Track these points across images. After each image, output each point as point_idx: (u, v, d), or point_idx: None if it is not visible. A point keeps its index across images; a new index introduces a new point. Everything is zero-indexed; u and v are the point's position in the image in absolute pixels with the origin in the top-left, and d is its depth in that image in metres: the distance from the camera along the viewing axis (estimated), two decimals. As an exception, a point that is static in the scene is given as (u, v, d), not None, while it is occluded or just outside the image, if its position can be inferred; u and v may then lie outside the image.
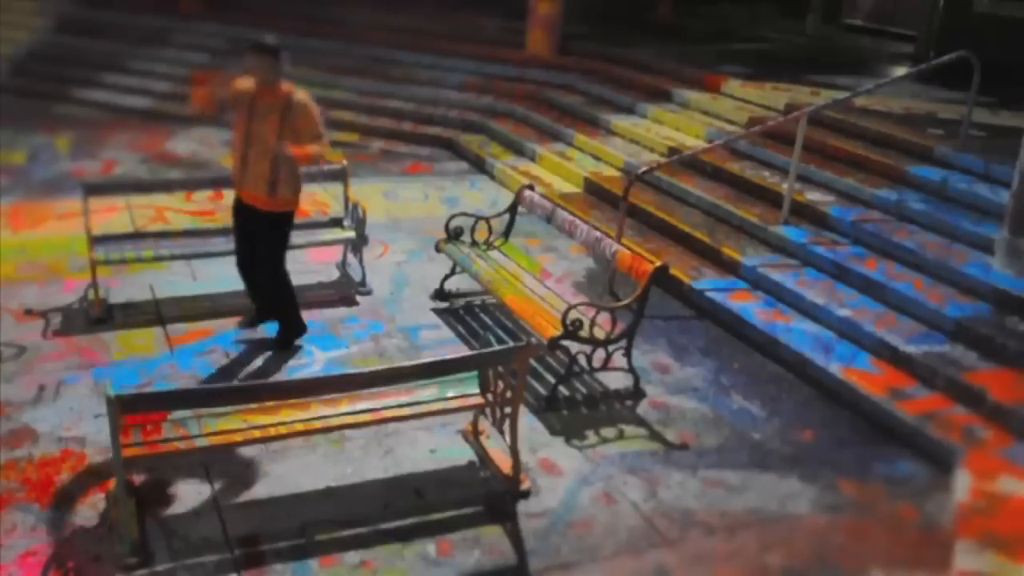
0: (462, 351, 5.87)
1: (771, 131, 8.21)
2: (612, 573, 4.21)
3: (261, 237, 5.83)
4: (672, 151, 9.09)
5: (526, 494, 4.66)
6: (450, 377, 4.63)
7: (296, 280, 7.01)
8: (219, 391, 4.61)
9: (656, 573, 4.22)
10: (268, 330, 6.14)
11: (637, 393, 5.69)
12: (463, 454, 5.00)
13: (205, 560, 4.11)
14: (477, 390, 4.67)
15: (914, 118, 9.00)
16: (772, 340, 6.22)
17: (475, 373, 4.68)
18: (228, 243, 6.63)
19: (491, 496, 4.67)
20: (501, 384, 4.57)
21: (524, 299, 6.03)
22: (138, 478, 4.56)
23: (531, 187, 7.04)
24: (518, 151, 10.46)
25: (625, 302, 5.73)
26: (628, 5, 15.88)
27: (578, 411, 5.53)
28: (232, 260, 6.01)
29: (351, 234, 6.92)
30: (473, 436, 5.07)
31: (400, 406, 4.52)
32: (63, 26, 14.40)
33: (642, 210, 8.17)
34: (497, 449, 4.89)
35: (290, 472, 4.75)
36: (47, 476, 4.62)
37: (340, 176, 7.15)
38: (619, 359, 5.68)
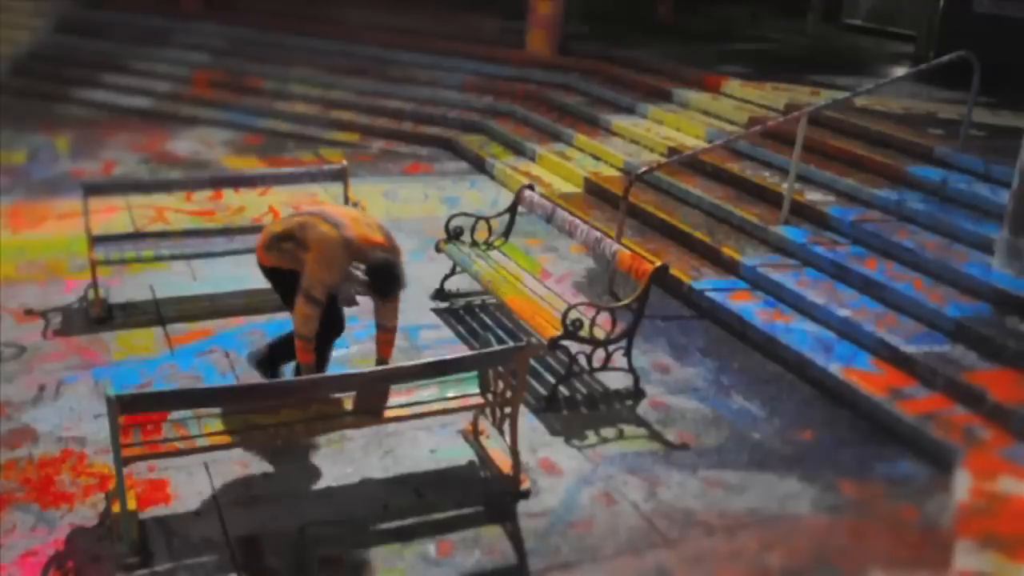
0: (462, 351, 5.87)
1: (771, 131, 8.20)
2: (612, 573, 4.20)
3: None
4: (672, 151, 9.08)
5: (526, 494, 4.66)
6: (450, 377, 4.63)
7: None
8: (219, 391, 4.61)
9: (656, 573, 4.22)
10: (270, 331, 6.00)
11: (637, 393, 5.69)
12: (463, 454, 5.00)
13: (205, 560, 4.11)
14: (477, 390, 4.67)
15: (914, 118, 8.99)
16: (772, 340, 6.22)
17: (475, 373, 4.68)
18: (228, 243, 6.65)
19: (491, 496, 4.67)
20: (501, 384, 4.57)
21: (524, 299, 6.03)
22: (138, 478, 4.57)
23: (531, 187, 7.04)
24: (518, 151, 10.45)
25: (625, 302, 5.73)
26: (628, 5, 15.87)
27: (578, 411, 5.53)
28: (231, 260, 5.94)
29: (351, 234, 6.91)
30: (473, 436, 5.07)
31: (400, 406, 4.52)
32: (63, 26, 14.39)
33: (642, 210, 8.17)
34: (497, 449, 4.89)
35: (290, 472, 4.75)
36: (47, 476, 4.62)
37: (340, 176, 7.14)
38: (619, 359, 5.67)
